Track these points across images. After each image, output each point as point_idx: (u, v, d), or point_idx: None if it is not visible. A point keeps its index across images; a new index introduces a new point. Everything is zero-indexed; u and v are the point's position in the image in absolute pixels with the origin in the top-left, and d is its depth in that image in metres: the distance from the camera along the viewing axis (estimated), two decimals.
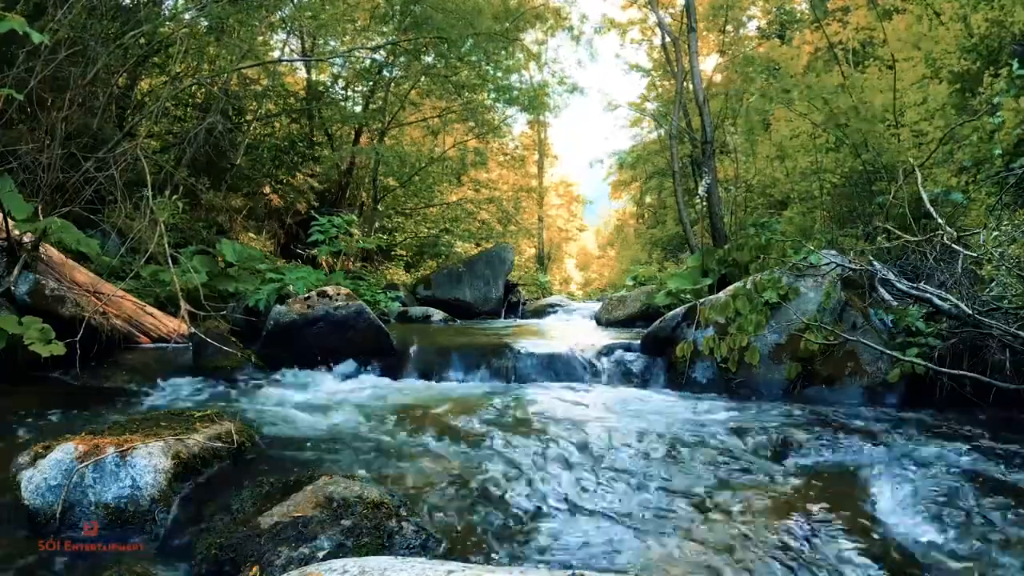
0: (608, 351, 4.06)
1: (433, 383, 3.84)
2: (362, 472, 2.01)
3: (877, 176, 5.83)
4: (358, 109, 11.04)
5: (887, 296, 3.56)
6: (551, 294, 15.13)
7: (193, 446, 1.95)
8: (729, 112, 12.61)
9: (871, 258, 3.83)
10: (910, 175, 4.52)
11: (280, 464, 2.11)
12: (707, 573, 1.48)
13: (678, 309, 4.06)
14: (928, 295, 3.21)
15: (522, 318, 9.83)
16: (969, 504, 1.80)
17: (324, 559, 1.38)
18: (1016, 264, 3.00)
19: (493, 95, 11.34)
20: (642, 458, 2.26)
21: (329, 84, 10.96)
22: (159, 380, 3.50)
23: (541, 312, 10.26)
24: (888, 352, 3.12)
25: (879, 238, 4.27)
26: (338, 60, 10.43)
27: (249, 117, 9.23)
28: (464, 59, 9.92)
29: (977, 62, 5.79)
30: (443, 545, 1.59)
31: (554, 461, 2.20)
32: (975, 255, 3.33)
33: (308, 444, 2.39)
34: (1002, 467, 2.11)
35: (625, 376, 3.86)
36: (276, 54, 9.27)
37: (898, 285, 3.46)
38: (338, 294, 4.13)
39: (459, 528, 1.69)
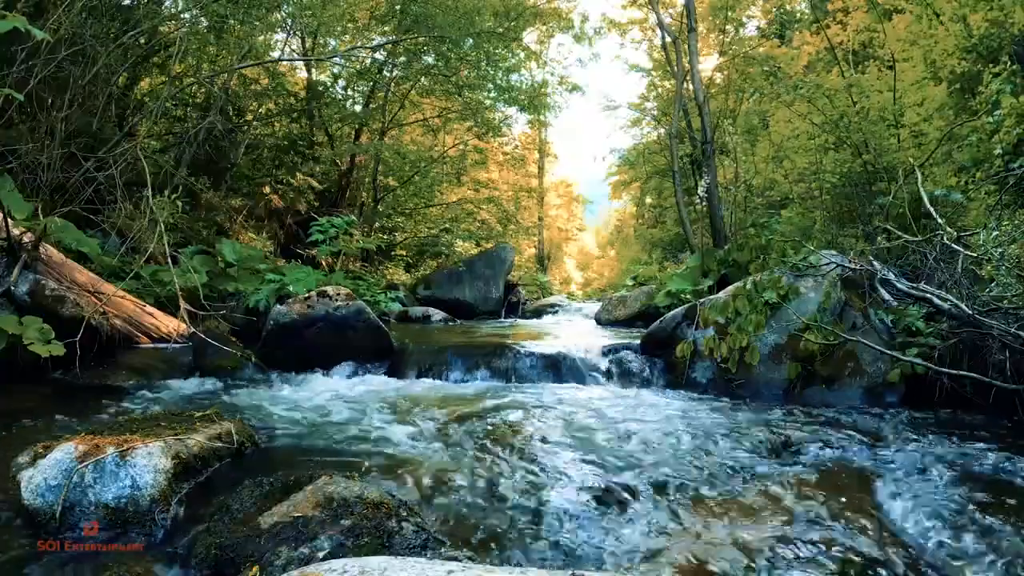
0: (608, 351, 4.06)
1: (433, 383, 3.84)
2: (362, 472, 2.01)
3: (877, 176, 5.82)
4: (358, 108, 11.03)
5: (887, 296, 3.56)
6: (551, 294, 15.15)
7: (193, 446, 1.95)
8: (729, 112, 12.61)
9: (871, 258, 3.83)
10: (910, 175, 4.52)
11: (280, 464, 2.11)
12: (707, 572, 1.48)
13: (678, 309, 4.06)
14: (928, 295, 3.21)
15: (522, 318, 9.85)
16: (969, 504, 1.79)
17: (324, 559, 1.37)
18: (1016, 264, 3.00)
19: (493, 95, 11.33)
20: (642, 458, 2.26)
21: (329, 84, 10.95)
22: (159, 380, 3.51)
23: (541, 312, 10.29)
24: (888, 352, 3.12)
25: (879, 238, 4.27)
26: (338, 60, 10.42)
27: (249, 117, 9.22)
28: (464, 59, 9.91)
29: (977, 63, 5.79)
30: (443, 545, 1.59)
31: (554, 461, 2.20)
32: (975, 255, 3.33)
33: (308, 444, 2.39)
34: (1002, 467, 2.11)
35: (625, 376, 3.86)
36: (276, 54, 9.25)
37: (898, 285, 3.46)
38: (338, 294, 4.13)
39: (459, 528, 1.69)
